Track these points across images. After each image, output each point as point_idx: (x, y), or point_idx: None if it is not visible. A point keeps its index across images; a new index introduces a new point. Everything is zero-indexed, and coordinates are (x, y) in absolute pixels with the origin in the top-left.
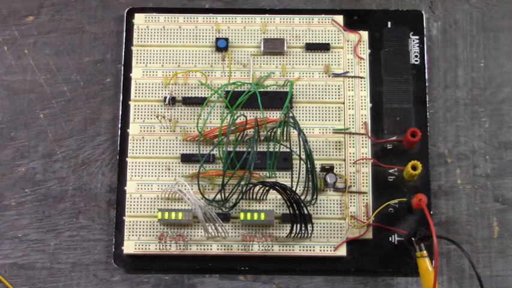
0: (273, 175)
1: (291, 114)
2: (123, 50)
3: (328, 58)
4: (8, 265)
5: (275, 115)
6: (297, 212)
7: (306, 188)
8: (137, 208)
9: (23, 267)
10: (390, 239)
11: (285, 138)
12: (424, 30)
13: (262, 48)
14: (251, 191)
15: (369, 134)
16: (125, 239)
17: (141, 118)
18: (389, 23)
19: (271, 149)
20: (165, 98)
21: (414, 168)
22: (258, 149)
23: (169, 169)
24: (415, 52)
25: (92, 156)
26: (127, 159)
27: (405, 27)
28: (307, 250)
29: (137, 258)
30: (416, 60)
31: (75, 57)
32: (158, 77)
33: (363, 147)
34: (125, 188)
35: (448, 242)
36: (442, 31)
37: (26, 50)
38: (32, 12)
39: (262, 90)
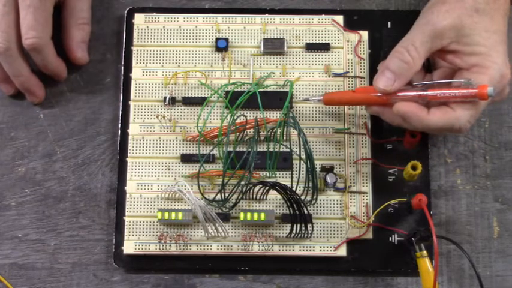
0: (273, 175)
1: (291, 114)
2: (123, 50)
3: (328, 58)
4: (8, 265)
5: (275, 115)
6: (297, 212)
7: (306, 188)
8: (137, 208)
9: (23, 267)
10: (390, 239)
11: (285, 138)
12: None
13: (262, 48)
14: (251, 191)
15: (369, 134)
16: (125, 239)
17: (141, 118)
18: (389, 23)
19: (271, 149)
20: (165, 98)
21: (414, 168)
22: (258, 149)
23: (169, 169)
24: None
25: (92, 156)
26: (127, 159)
27: (405, 27)
28: (307, 250)
29: (137, 258)
30: None
31: None
32: (158, 77)
33: (362, 147)
34: (125, 188)
35: (448, 242)
36: None
37: None
38: None
39: (262, 90)
